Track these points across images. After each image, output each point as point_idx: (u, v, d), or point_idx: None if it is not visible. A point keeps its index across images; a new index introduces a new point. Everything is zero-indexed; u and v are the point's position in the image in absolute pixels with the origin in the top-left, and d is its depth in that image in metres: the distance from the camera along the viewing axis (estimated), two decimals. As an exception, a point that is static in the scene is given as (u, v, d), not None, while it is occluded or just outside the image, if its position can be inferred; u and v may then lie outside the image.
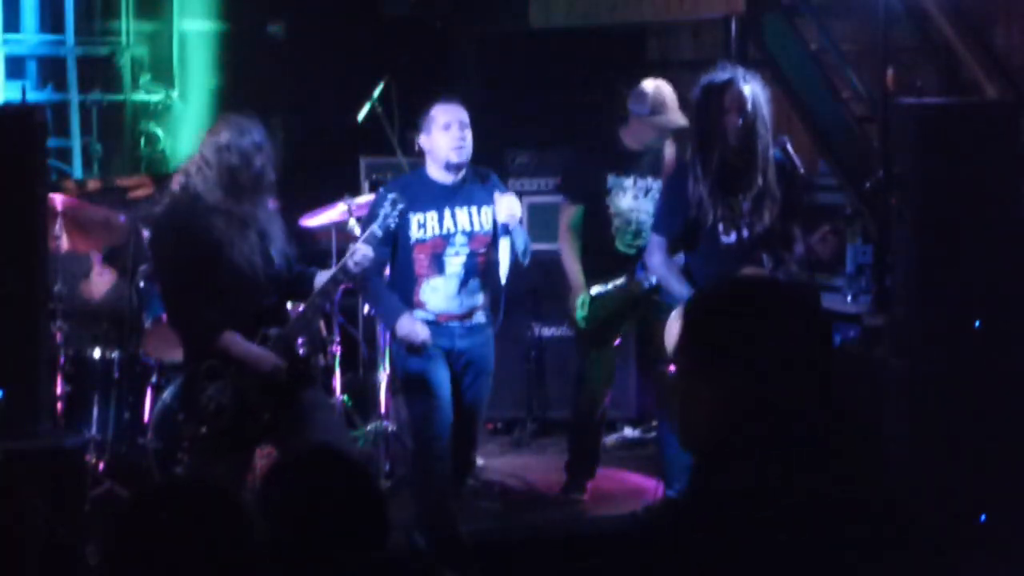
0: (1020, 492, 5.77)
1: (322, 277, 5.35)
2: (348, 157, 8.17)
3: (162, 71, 9.02)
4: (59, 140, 8.58)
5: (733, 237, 5.73)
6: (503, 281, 5.80)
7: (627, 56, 9.12)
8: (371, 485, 3.05)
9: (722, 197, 5.69)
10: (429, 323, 5.77)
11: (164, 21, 9.08)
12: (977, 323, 5.81)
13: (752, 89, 5.65)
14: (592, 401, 6.79)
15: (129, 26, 8.94)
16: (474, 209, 5.79)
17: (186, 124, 8.90)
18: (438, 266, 5.77)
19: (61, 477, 4.93)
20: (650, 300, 6.40)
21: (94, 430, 6.57)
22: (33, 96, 8.54)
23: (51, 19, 8.85)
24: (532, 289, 7.38)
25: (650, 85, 6.67)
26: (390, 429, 6.99)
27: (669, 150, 6.71)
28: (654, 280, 6.36)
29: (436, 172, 5.81)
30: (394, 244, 5.77)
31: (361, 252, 5.31)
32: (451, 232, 5.77)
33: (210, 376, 5.14)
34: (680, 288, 5.77)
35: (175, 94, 8.92)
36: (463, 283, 5.79)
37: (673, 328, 5.74)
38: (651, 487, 6.78)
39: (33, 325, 5.14)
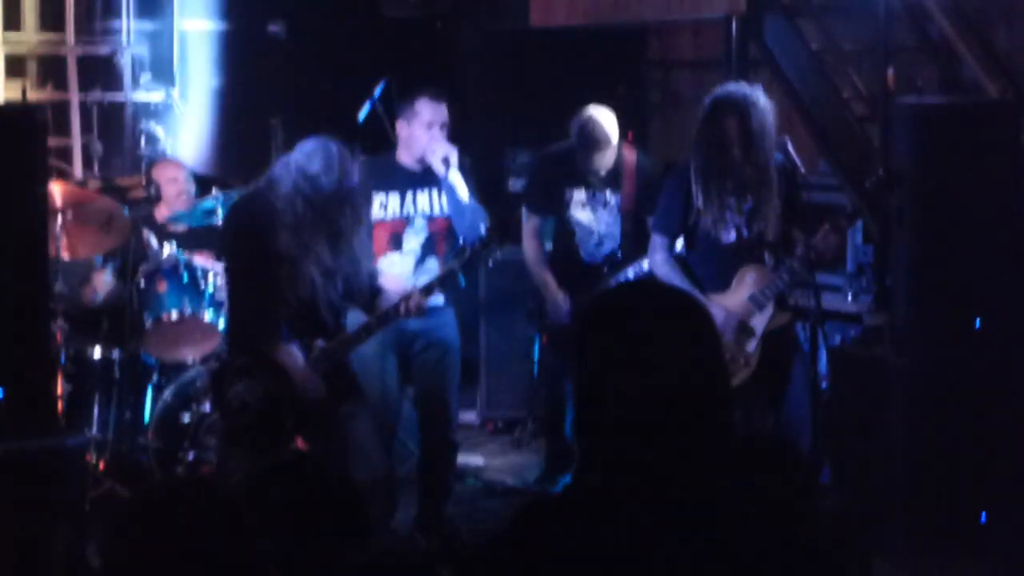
0: (1020, 492, 5.77)
1: (386, 302, 5.35)
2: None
3: (162, 70, 9.02)
4: (59, 139, 8.58)
5: (733, 237, 5.73)
6: (460, 241, 5.82)
7: (628, 56, 9.13)
8: (346, 494, 3.02)
9: (723, 198, 5.69)
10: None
11: (165, 20, 9.07)
12: (977, 323, 5.82)
13: (758, 103, 5.62)
14: (558, 401, 6.90)
15: (129, 25, 8.93)
16: (435, 192, 5.88)
17: (186, 124, 8.90)
18: (396, 244, 5.89)
19: (61, 477, 4.93)
20: None
21: (95, 430, 6.57)
22: (33, 95, 8.53)
23: (51, 18, 8.84)
24: (532, 289, 7.37)
25: (584, 116, 6.61)
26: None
27: (629, 156, 6.69)
28: (631, 276, 6.42)
29: (406, 159, 5.93)
30: None
31: (416, 301, 5.32)
32: (411, 215, 5.89)
33: (241, 373, 5.14)
34: (683, 287, 5.77)
35: (176, 93, 8.91)
36: (419, 261, 5.89)
37: None
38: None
39: (33, 325, 5.13)
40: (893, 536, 5.80)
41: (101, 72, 8.90)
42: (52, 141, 7.77)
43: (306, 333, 5.18)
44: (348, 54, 8.88)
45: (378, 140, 7.31)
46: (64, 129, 8.66)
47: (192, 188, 7.23)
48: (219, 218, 6.66)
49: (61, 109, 8.67)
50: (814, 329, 6.26)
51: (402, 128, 5.93)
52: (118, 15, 8.94)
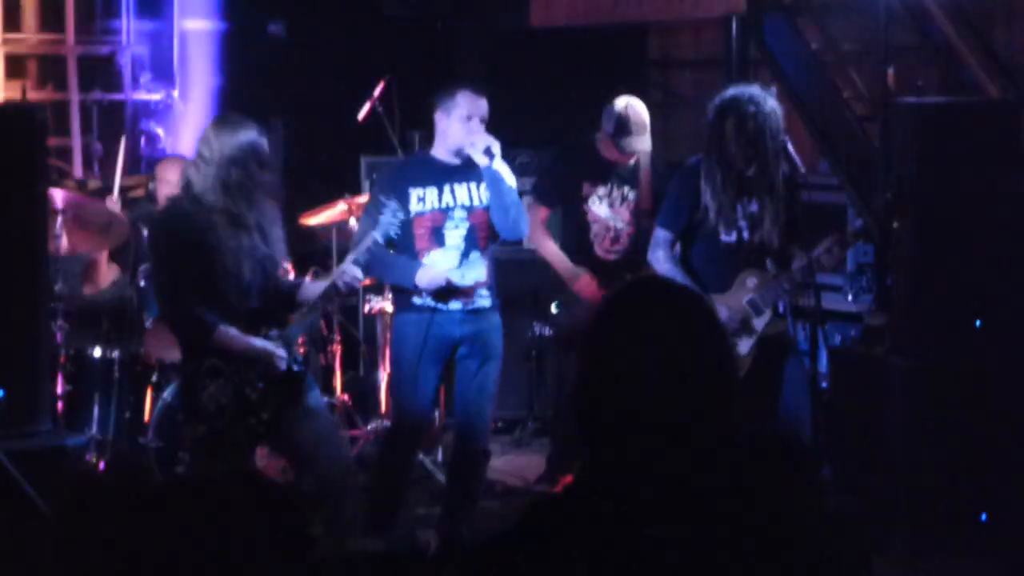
0: (1020, 492, 5.77)
1: (312, 289, 5.34)
2: (348, 156, 8.18)
3: (163, 70, 9.02)
4: (59, 139, 8.58)
5: (735, 238, 5.72)
6: (506, 231, 5.75)
7: (628, 55, 9.12)
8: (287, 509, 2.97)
9: (729, 199, 5.68)
10: (429, 305, 5.72)
11: (165, 20, 9.07)
12: (977, 323, 5.82)
13: (765, 106, 5.61)
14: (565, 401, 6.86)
15: (129, 25, 8.93)
16: (473, 185, 5.78)
17: (187, 123, 8.90)
18: (438, 239, 5.75)
19: (61, 477, 4.93)
20: None
21: (94, 429, 6.57)
22: (33, 95, 8.54)
23: (51, 18, 8.85)
24: (532, 289, 7.38)
25: (620, 103, 6.67)
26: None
27: (645, 159, 6.72)
28: None
29: (442, 153, 5.82)
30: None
31: (351, 274, 5.31)
32: (450, 206, 5.76)
33: (211, 375, 5.13)
34: (685, 284, 5.77)
35: (176, 93, 8.92)
36: (464, 255, 5.76)
37: None
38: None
39: (34, 325, 5.13)
40: (893, 536, 5.80)
41: (101, 72, 8.91)
42: (52, 141, 7.78)
43: (259, 324, 5.17)
44: (348, 54, 8.88)
45: (378, 140, 7.33)
46: (64, 129, 8.66)
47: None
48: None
49: (61, 109, 8.68)
50: (814, 329, 6.26)
51: (440, 120, 5.78)
52: (118, 15, 8.95)
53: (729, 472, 2.19)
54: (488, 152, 5.64)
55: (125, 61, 8.89)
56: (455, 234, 5.75)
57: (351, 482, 5.35)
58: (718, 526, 2.16)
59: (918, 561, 5.72)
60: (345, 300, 5.49)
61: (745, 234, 5.72)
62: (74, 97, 8.70)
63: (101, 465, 6.49)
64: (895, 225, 5.94)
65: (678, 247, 5.94)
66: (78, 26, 8.79)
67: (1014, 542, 5.68)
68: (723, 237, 5.72)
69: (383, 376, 7.12)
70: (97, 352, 6.67)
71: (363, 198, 7.15)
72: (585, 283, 6.65)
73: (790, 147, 5.69)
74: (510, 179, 5.73)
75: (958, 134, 5.89)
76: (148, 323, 6.64)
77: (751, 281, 5.72)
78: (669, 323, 2.23)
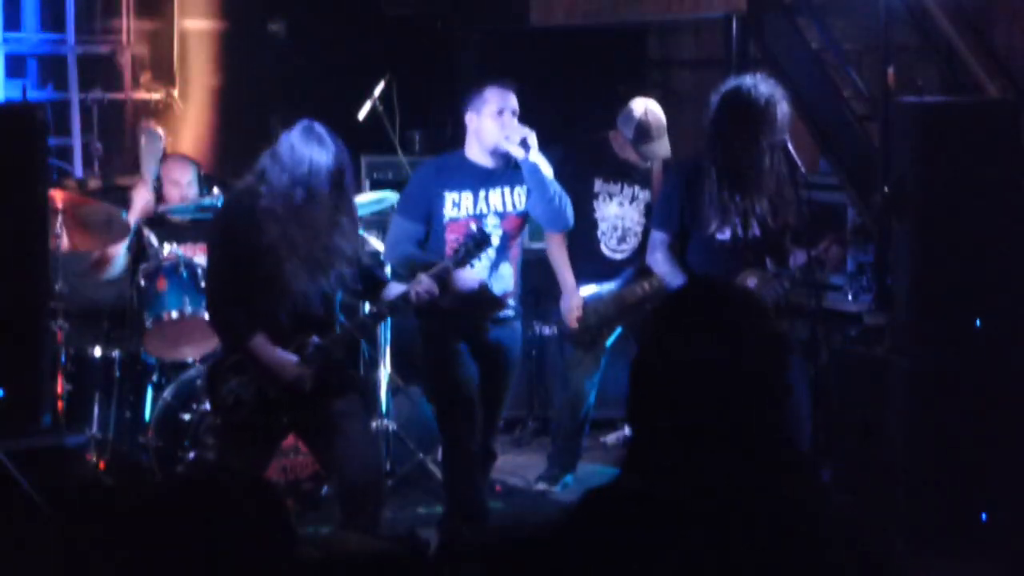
0: (1020, 492, 5.77)
1: (390, 293, 5.32)
2: (349, 156, 8.17)
3: (163, 70, 9.03)
4: (60, 139, 8.58)
5: (735, 237, 5.71)
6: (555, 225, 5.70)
7: (628, 55, 9.13)
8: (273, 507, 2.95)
9: (730, 198, 5.67)
10: (456, 313, 5.65)
11: (165, 20, 9.08)
12: (977, 323, 5.81)
13: (773, 95, 5.61)
14: (575, 401, 6.82)
15: (130, 24, 8.94)
16: (507, 189, 5.72)
17: (187, 123, 8.90)
18: None
19: (61, 477, 4.93)
20: (642, 307, 6.46)
21: (95, 429, 6.57)
22: (34, 95, 8.54)
23: (52, 18, 8.85)
24: (532, 289, 7.37)
25: (639, 108, 6.65)
26: (391, 428, 6.99)
27: (657, 162, 6.72)
28: (647, 288, 6.41)
29: (477, 154, 5.76)
30: (429, 222, 5.72)
31: (426, 286, 5.28)
32: (483, 212, 5.70)
33: (235, 369, 5.14)
34: (677, 282, 5.76)
35: (176, 93, 8.92)
36: (494, 266, 5.71)
37: None
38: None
39: (34, 324, 5.14)
40: (893, 536, 5.79)
41: (101, 71, 8.91)
42: (52, 141, 7.79)
43: (299, 329, 5.16)
44: (348, 54, 8.88)
45: (378, 140, 7.32)
46: (65, 128, 8.66)
47: (194, 191, 7.21)
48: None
49: (61, 109, 8.68)
50: (814, 329, 6.25)
51: (471, 120, 5.73)
52: (118, 15, 8.95)
53: (773, 474, 2.21)
54: (524, 144, 5.58)
55: (125, 61, 8.89)
56: None
57: (377, 489, 5.30)
58: (758, 528, 2.17)
59: (918, 561, 5.72)
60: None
61: (747, 233, 5.71)
62: (74, 97, 8.71)
63: (101, 466, 6.50)
64: (894, 222, 5.93)
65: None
66: (78, 26, 8.79)
67: (1014, 542, 5.68)
68: (721, 236, 5.71)
69: (383, 376, 7.12)
70: (97, 352, 6.67)
71: (363, 197, 7.15)
72: (570, 307, 6.61)
73: (790, 147, 5.68)
74: (547, 170, 5.66)
75: (958, 134, 5.88)
76: (148, 323, 6.64)
77: (751, 281, 5.71)
78: (726, 325, 2.24)
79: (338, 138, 5.19)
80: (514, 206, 5.73)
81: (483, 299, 5.69)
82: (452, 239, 5.66)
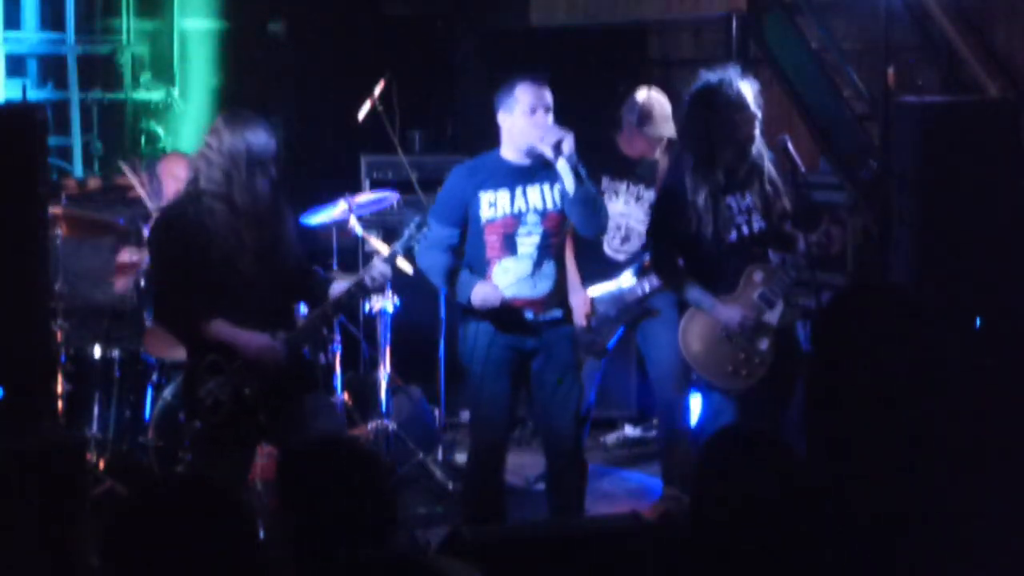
0: (1019, 492, 5.76)
1: (338, 287, 5.26)
2: (349, 155, 8.17)
3: (163, 69, 9.03)
4: (60, 138, 8.58)
5: (735, 236, 5.71)
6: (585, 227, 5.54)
7: (628, 55, 9.12)
8: (384, 477, 3.04)
9: (723, 196, 5.68)
10: (496, 315, 5.51)
11: (165, 19, 9.08)
12: (977, 323, 5.81)
13: (747, 87, 5.65)
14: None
15: (130, 24, 8.95)
16: (546, 186, 5.54)
17: (186, 122, 8.90)
18: (510, 247, 5.52)
19: (61, 477, 4.92)
20: (641, 306, 6.46)
21: (95, 429, 6.57)
22: (34, 94, 8.54)
23: (52, 17, 8.86)
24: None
25: (642, 94, 6.63)
26: (391, 428, 6.99)
27: (663, 161, 6.69)
28: (647, 288, 6.40)
29: (511, 153, 5.57)
30: (464, 226, 5.58)
31: (379, 269, 5.20)
32: (522, 211, 5.52)
33: (211, 371, 5.12)
34: (692, 292, 5.72)
35: (176, 92, 8.92)
36: (537, 264, 5.52)
37: (692, 329, 5.72)
38: (652, 485, 6.79)
39: (33, 324, 5.13)
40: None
41: (101, 71, 8.91)
42: (52, 141, 7.78)
43: (262, 327, 5.13)
44: (348, 52, 8.88)
45: (378, 140, 7.32)
46: (65, 128, 8.66)
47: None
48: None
49: (61, 108, 8.68)
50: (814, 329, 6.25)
51: (504, 119, 5.53)
52: (118, 14, 8.96)
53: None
54: (557, 147, 5.37)
55: (125, 61, 8.89)
56: (528, 241, 5.51)
57: None
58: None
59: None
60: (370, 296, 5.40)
61: (746, 230, 5.71)
62: (74, 97, 8.71)
63: (101, 465, 6.50)
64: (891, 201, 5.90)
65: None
66: (78, 25, 8.80)
67: (1014, 542, 5.67)
68: (725, 238, 5.70)
69: (383, 375, 7.12)
70: (97, 352, 6.67)
71: (363, 197, 7.15)
72: (575, 306, 6.57)
73: (790, 146, 5.67)
74: (568, 180, 5.45)
75: (958, 134, 5.88)
76: (148, 323, 6.63)
77: (758, 276, 5.71)
78: (895, 324, 2.37)
79: (259, 117, 5.16)
80: (555, 203, 5.53)
81: (514, 312, 5.54)
82: (492, 240, 5.53)
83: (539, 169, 5.52)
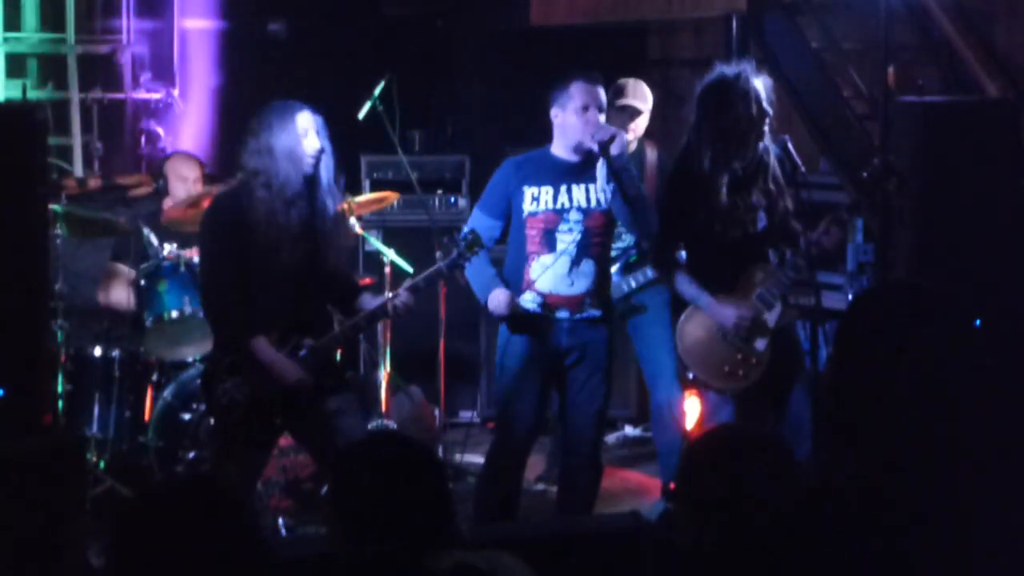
0: (1020, 492, 5.76)
1: (368, 303, 5.28)
2: (349, 155, 8.17)
3: (163, 69, 9.02)
4: (60, 139, 8.58)
5: (740, 233, 5.68)
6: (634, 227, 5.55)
7: (628, 54, 9.12)
8: (441, 474, 2.97)
9: (728, 194, 5.64)
10: (537, 312, 5.55)
11: (165, 19, 9.07)
12: (977, 323, 5.81)
13: (761, 82, 5.60)
14: None
15: (130, 24, 8.93)
16: (592, 186, 5.54)
17: (186, 123, 8.90)
18: (549, 242, 5.54)
19: (61, 476, 4.93)
20: (628, 304, 6.46)
21: (95, 429, 6.57)
22: (34, 94, 8.54)
23: (52, 17, 8.85)
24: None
25: (623, 79, 6.66)
26: (391, 428, 6.99)
27: (651, 155, 6.67)
28: (633, 284, 6.41)
29: (561, 150, 5.59)
30: (508, 219, 5.61)
31: (403, 299, 5.22)
32: (565, 207, 5.53)
33: (230, 370, 5.13)
34: (689, 289, 5.71)
35: (176, 92, 8.92)
36: (575, 262, 5.53)
37: (689, 328, 5.71)
38: (652, 486, 6.78)
39: (34, 324, 5.13)
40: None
41: (101, 71, 8.91)
42: (52, 141, 7.78)
43: (293, 331, 5.15)
44: (348, 53, 8.88)
45: (378, 140, 7.32)
46: (64, 128, 8.66)
47: (200, 188, 7.21)
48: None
49: (61, 108, 8.68)
50: (814, 328, 6.25)
51: (556, 116, 5.56)
52: (118, 14, 8.94)
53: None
54: (606, 146, 5.39)
55: (125, 60, 8.89)
56: (567, 238, 5.52)
57: None
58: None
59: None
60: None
61: (749, 227, 5.69)
62: (74, 96, 8.70)
63: (102, 465, 6.50)
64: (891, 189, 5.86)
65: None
66: (78, 25, 8.79)
67: (1014, 542, 5.67)
68: (728, 233, 5.67)
69: (383, 375, 7.12)
70: (97, 352, 6.67)
71: (363, 197, 7.15)
72: None
73: (790, 146, 5.66)
74: (599, 178, 5.47)
75: (958, 134, 5.89)
76: (148, 323, 6.64)
77: (757, 275, 5.69)
78: (924, 328, 2.40)
79: (319, 119, 5.19)
80: (599, 203, 5.53)
81: (548, 312, 5.55)
82: (532, 235, 5.55)
83: (588, 167, 5.53)
